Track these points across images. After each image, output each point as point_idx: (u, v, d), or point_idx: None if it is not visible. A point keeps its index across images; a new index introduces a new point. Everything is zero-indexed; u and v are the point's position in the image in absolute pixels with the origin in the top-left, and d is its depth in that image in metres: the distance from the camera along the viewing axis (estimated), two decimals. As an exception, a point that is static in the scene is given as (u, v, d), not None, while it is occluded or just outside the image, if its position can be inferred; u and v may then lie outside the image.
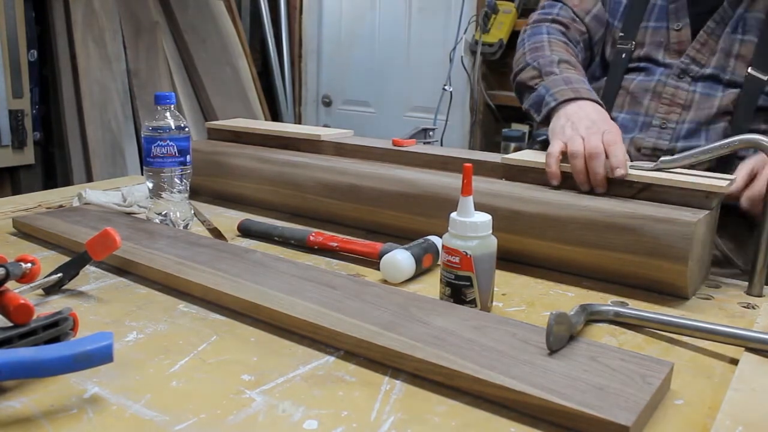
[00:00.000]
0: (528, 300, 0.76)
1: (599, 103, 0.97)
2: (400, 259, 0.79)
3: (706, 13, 1.02)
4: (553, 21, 1.15)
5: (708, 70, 1.02)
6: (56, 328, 0.58)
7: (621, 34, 1.09)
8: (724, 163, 0.97)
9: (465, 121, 2.92)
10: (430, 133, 1.13)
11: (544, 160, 0.89)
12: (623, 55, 1.08)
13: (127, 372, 0.56)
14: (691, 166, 0.82)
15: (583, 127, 0.89)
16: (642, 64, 1.08)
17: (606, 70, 1.13)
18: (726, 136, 0.98)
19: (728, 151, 0.80)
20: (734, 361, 0.61)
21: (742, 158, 0.95)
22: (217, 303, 0.71)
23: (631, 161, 0.86)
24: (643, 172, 0.82)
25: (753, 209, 0.86)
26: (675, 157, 0.82)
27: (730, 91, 1.01)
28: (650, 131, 1.04)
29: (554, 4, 1.17)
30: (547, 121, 0.99)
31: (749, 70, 0.99)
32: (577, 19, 1.14)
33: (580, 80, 1.01)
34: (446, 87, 2.75)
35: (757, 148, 0.78)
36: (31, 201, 1.14)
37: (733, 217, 0.91)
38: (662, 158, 0.82)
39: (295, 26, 3.39)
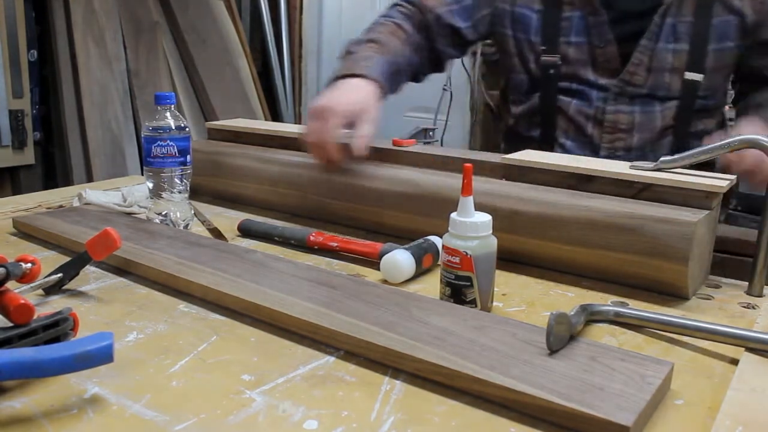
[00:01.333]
0: (528, 300, 0.76)
1: (368, 78, 0.97)
2: (400, 259, 0.79)
3: (633, 33, 1.00)
4: (408, 4, 1.15)
5: (644, 90, 1.01)
6: (56, 328, 0.58)
7: (543, 47, 1.07)
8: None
9: (465, 121, 2.93)
10: (430, 133, 1.13)
11: (544, 160, 0.89)
12: (551, 71, 1.06)
13: (127, 372, 0.56)
14: (691, 166, 0.83)
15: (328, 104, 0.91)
16: (574, 85, 1.06)
17: (535, 86, 1.11)
18: (673, 151, 0.97)
19: (728, 151, 0.80)
20: (734, 361, 0.61)
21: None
22: (217, 303, 0.71)
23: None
24: (643, 172, 0.82)
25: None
26: (675, 157, 0.82)
27: (666, 105, 1.01)
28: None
29: None
30: None
31: (685, 75, 0.99)
32: (421, 10, 1.13)
33: (367, 56, 1.01)
34: (446, 87, 2.76)
35: (757, 147, 0.78)
36: (31, 201, 1.14)
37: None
38: (662, 158, 0.83)
39: (295, 26, 3.39)
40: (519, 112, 1.15)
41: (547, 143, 1.10)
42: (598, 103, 1.04)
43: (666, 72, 1.01)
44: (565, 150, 1.07)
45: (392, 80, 1.03)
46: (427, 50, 1.16)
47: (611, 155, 1.04)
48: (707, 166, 0.84)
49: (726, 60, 1.04)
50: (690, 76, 0.99)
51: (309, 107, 0.91)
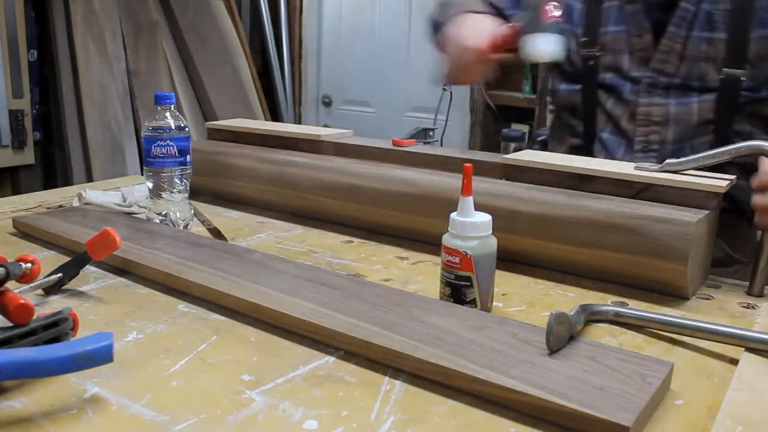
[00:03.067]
0: (528, 300, 0.76)
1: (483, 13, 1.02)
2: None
3: (664, 15, 0.98)
4: None
5: (678, 80, 0.98)
6: (56, 328, 0.58)
7: (584, 39, 1.06)
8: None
9: (465, 121, 2.93)
10: (430, 133, 1.13)
11: (544, 160, 0.89)
12: (591, 62, 1.05)
13: (127, 372, 0.56)
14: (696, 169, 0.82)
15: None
16: (610, 76, 1.04)
17: (575, 78, 1.10)
18: (711, 149, 0.96)
19: (734, 156, 0.80)
20: (734, 361, 0.61)
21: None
22: (217, 303, 0.71)
23: None
24: (643, 173, 0.82)
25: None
26: (681, 160, 0.82)
27: (704, 97, 0.97)
28: (634, 158, 1.01)
29: None
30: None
31: (724, 70, 0.95)
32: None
33: (468, 2, 1.05)
34: (446, 87, 2.75)
35: (762, 155, 0.79)
36: (31, 201, 1.14)
37: (730, 215, 0.91)
38: (667, 161, 0.82)
39: (295, 26, 3.39)
40: (561, 105, 1.14)
41: (588, 137, 1.09)
42: (631, 95, 1.02)
43: (701, 61, 0.97)
44: (603, 144, 1.05)
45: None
46: None
47: (645, 149, 1.01)
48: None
49: None
50: (729, 71, 0.95)
51: (445, 40, 0.98)
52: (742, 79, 0.95)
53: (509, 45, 0.92)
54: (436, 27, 1.11)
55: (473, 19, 0.99)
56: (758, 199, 0.77)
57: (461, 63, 0.95)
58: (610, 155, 1.04)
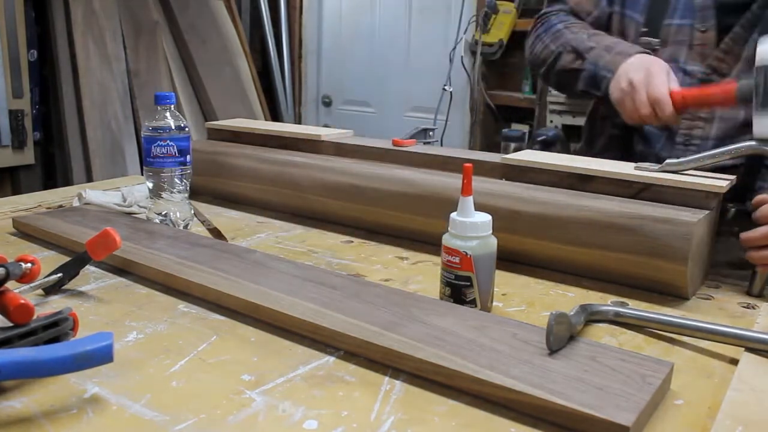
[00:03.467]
0: (528, 300, 0.76)
1: (644, 52, 0.99)
2: None
3: (734, 14, 0.97)
4: (560, 11, 1.15)
5: (729, 79, 0.97)
6: (56, 328, 0.58)
7: (644, 29, 1.05)
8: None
9: (465, 121, 2.93)
10: (430, 133, 1.13)
11: (544, 160, 0.89)
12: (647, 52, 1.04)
13: (127, 372, 0.56)
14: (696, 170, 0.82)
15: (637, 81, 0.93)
16: None
17: None
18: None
19: (733, 156, 0.80)
20: (734, 361, 0.61)
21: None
22: (217, 303, 0.71)
23: None
24: (643, 173, 0.82)
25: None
26: (680, 160, 0.82)
27: None
28: (675, 149, 1.01)
29: (554, 4, 1.17)
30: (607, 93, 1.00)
31: None
32: (579, 17, 1.14)
33: (617, 42, 1.02)
34: (446, 87, 2.75)
35: (761, 155, 0.78)
36: (31, 201, 1.14)
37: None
38: (667, 161, 0.82)
39: (295, 26, 3.39)
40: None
41: (629, 127, 1.08)
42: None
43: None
44: (642, 135, 1.05)
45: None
46: None
47: (686, 142, 1.01)
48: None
49: None
50: None
51: (617, 88, 0.96)
52: None
53: (709, 103, 0.92)
54: (570, 74, 1.07)
55: (662, 63, 0.95)
56: (754, 254, 0.78)
57: (646, 105, 0.92)
58: (650, 147, 1.04)
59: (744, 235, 0.79)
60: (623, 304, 0.74)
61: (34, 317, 0.57)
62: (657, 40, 1.04)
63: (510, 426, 0.50)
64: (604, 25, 1.12)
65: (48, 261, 0.82)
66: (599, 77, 1.02)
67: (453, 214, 0.70)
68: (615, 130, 1.10)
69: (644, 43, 1.05)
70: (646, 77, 0.92)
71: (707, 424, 0.51)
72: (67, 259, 0.76)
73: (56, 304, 0.71)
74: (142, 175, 1.03)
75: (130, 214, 1.04)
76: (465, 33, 2.79)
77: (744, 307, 0.76)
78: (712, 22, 1.00)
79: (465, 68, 2.82)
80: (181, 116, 0.97)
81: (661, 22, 1.04)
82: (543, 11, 1.19)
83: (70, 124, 2.52)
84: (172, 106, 0.96)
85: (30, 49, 2.47)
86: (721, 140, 0.99)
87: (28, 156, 2.50)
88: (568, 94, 1.11)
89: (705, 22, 1.00)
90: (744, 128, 0.97)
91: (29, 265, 0.67)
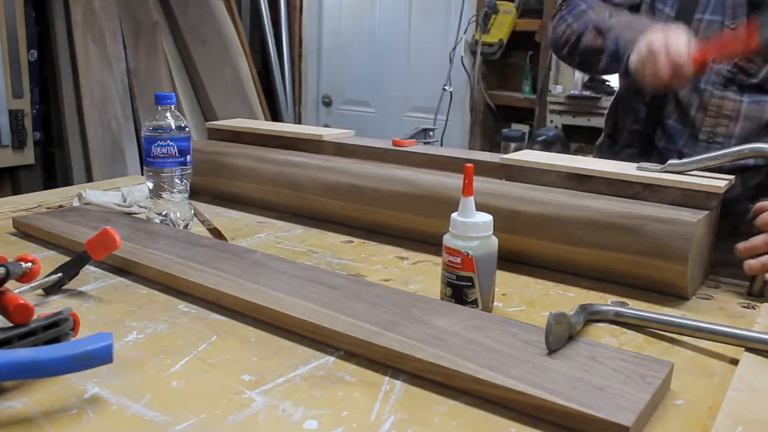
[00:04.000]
0: (528, 300, 0.76)
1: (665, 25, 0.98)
2: None
3: (766, 12, 0.95)
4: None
5: (756, 80, 0.98)
6: (56, 329, 0.58)
7: (674, 21, 1.03)
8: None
9: (465, 121, 2.93)
10: (430, 133, 1.13)
11: (544, 160, 0.89)
12: None
13: (127, 372, 0.56)
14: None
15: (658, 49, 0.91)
16: None
17: None
18: None
19: (736, 158, 0.80)
20: (734, 361, 0.61)
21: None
22: (217, 303, 0.71)
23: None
24: (643, 173, 0.82)
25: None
26: (684, 161, 0.82)
27: None
28: (697, 147, 1.00)
29: None
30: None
31: None
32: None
33: (638, 19, 1.01)
34: (446, 87, 2.76)
35: (764, 156, 0.78)
36: (31, 201, 1.14)
37: (735, 216, 0.90)
38: (670, 161, 0.82)
39: (295, 26, 3.39)
40: (629, 87, 1.13)
41: (651, 123, 1.08)
42: (707, 85, 1.01)
43: None
44: (666, 131, 1.05)
45: None
46: None
47: (710, 140, 1.01)
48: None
49: None
50: None
51: (640, 52, 0.93)
52: None
53: (730, 53, 0.91)
54: (592, 52, 1.07)
55: (678, 30, 0.93)
56: (753, 263, 0.77)
57: (666, 68, 0.90)
58: (672, 143, 1.03)
59: (741, 245, 0.78)
60: (623, 304, 0.74)
61: (34, 317, 0.57)
62: None
63: (510, 426, 0.50)
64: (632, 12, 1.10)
65: (48, 261, 0.82)
66: (621, 53, 1.00)
67: (454, 215, 0.70)
68: (636, 126, 1.09)
69: None
70: (665, 40, 0.90)
71: (707, 424, 0.51)
72: (67, 259, 0.76)
73: (56, 304, 0.71)
74: (142, 175, 1.03)
75: (130, 214, 1.04)
76: (465, 33, 2.79)
77: (744, 307, 0.76)
78: (743, 20, 0.98)
79: (465, 68, 2.82)
80: (181, 116, 0.97)
81: (691, 17, 1.02)
82: None
83: (70, 124, 2.52)
84: (172, 106, 0.96)
85: (30, 49, 2.47)
86: (745, 139, 0.98)
87: (28, 156, 2.50)
88: (592, 72, 1.08)
89: (735, 18, 0.99)
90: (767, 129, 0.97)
91: (29, 264, 0.67)
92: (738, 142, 0.98)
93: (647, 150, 1.06)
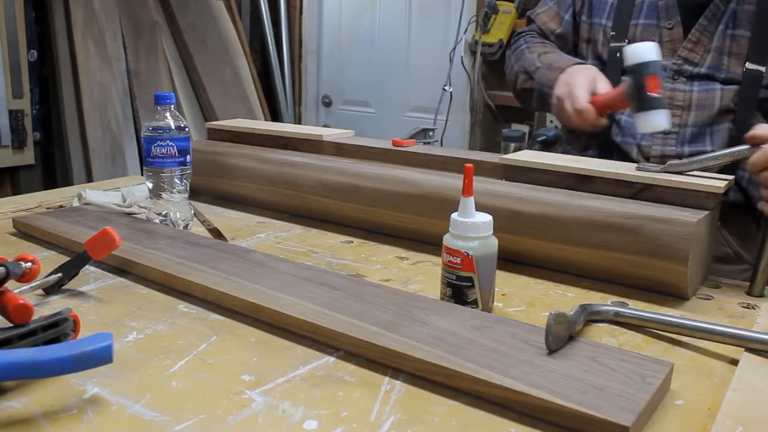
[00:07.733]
0: (528, 300, 0.76)
1: (578, 63, 1.05)
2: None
3: (697, 9, 1.02)
4: (530, 32, 1.23)
5: (702, 69, 1.01)
6: (56, 329, 0.58)
7: (612, 33, 1.10)
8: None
9: (465, 121, 2.93)
10: (430, 133, 1.13)
11: (544, 161, 0.89)
12: (617, 54, 1.08)
13: (127, 372, 0.56)
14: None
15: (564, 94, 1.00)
16: None
17: (602, 71, 1.13)
18: (731, 137, 0.98)
19: (736, 159, 0.80)
20: (734, 361, 0.61)
21: None
22: (217, 303, 0.71)
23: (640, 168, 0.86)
24: (643, 173, 0.82)
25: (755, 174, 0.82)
26: (683, 161, 0.82)
27: (728, 88, 1.00)
28: (655, 138, 1.04)
29: (529, 25, 1.26)
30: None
31: (747, 65, 0.98)
32: (546, 36, 1.20)
33: (557, 58, 1.09)
34: (446, 87, 2.75)
35: None
36: (31, 201, 1.15)
37: (739, 214, 0.90)
38: (670, 162, 0.83)
39: (295, 26, 3.39)
40: None
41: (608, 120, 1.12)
42: None
43: (725, 56, 1.01)
44: (620, 126, 1.08)
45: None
46: None
47: (665, 131, 1.03)
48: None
49: None
50: (752, 66, 0.98)
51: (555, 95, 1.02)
52: (763, 72, 0.98)
53: (614, 106, 0.97)
54: (526, 93, 1.16)
55: (584, 72, 1.00)
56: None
57: (573, 115, 0.97)
58: (631, 137, 1.06)
59: (753, 158, 0.79)
60: (623, 304, 0.74)
61: (34, 317, 0.57)
62: (624, 41, 1.07)
63: (510, 426, 0.50)
64: (570, 39, 1.18)
65: (48, 261, 0.82)
66: (545, 94, 1.09)
67: (454, 215, 0.70)
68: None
69: (612, 48, 1.09)
70: (568, 91, 0.97)
71: (707, 424, 0.51)
72: (67, 259, 0.76)
73: (56, 304, 0.71)
74: (142, 175, 1.03)
75: (130, 214, 1.04)
76: (465, 33, 2.79)
77: (744, 307, 0.76)
78: (678, 19, 1.04)
79: (465, 68, 2.82)
80: (181, 116, 0.97)
81: (627, 24, 1.08)
82: (517, 32, 1.27)
83: (70, 124, 2.52)
84: (172, 107, 0.96)
85: (30, 49, 2.47)
86: (699, 127, 1.02)
87: (28, 156, 2.49)
88: (535, 110, 1.20)
89: (670, 19, 1.04)
90: (720, 116, 1.01)
91: (29, 264, 0.67)
92: (693, 130, 1.02)
93: (607, 147, 1.10)
